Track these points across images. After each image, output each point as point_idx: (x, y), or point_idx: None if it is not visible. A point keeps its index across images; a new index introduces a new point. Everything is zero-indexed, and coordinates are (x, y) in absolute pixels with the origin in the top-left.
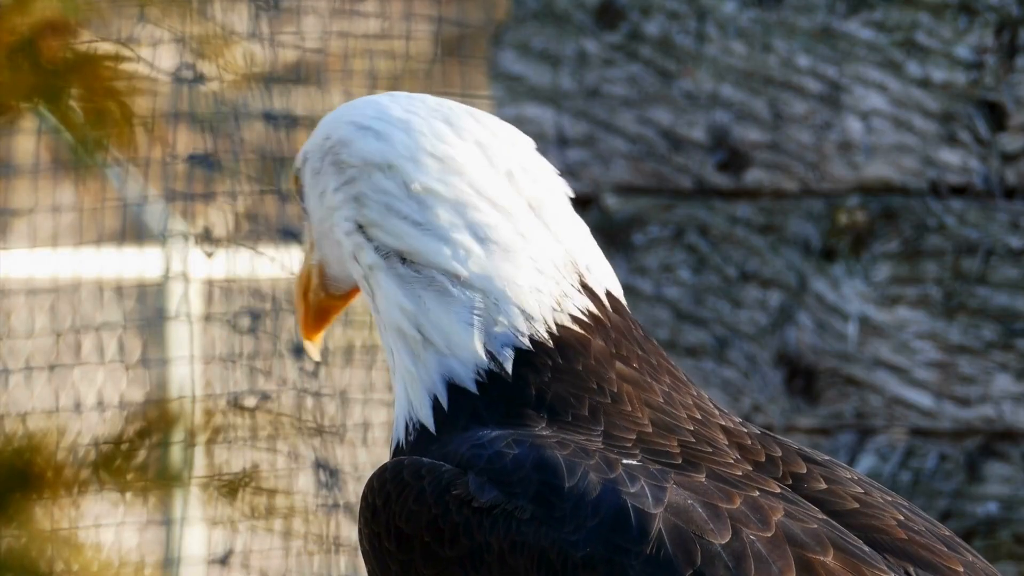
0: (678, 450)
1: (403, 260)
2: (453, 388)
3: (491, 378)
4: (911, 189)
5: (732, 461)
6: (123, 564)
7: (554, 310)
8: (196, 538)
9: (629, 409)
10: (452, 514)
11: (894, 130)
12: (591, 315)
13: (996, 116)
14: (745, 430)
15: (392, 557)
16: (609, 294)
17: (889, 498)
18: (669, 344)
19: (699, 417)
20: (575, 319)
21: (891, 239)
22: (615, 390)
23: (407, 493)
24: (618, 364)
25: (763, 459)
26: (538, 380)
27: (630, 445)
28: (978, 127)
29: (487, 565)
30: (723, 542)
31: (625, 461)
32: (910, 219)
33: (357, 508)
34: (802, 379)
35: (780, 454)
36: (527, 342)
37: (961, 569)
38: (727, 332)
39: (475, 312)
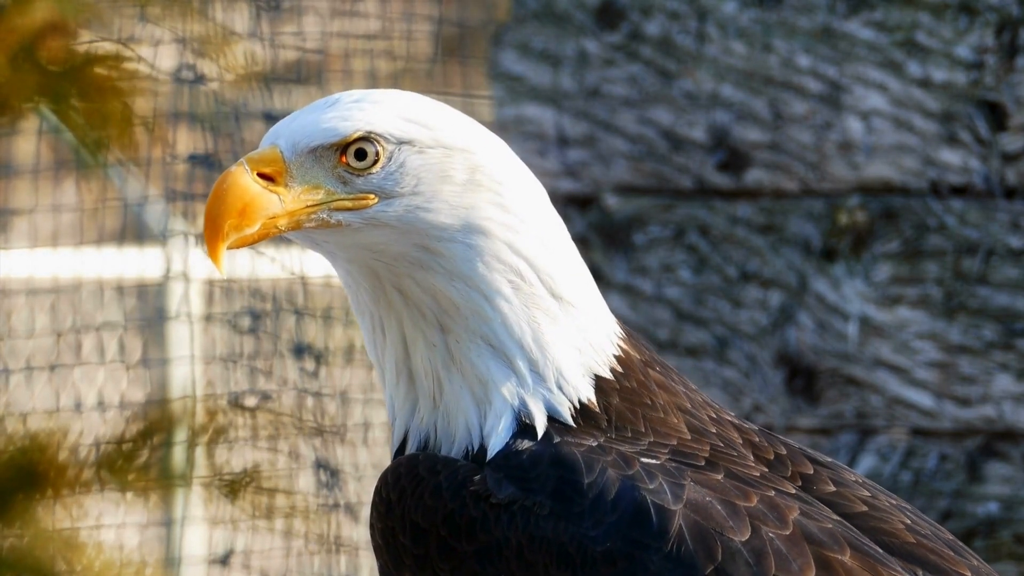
0: (707, 452)
1: (519, 276)
2: (547, 416)
3: (579, 408)
4: (911, 189)
5: (751, 462)
6: (124, 564)
7: (612, 323)
8: (197, 538)
9: (673, 420)
10: (469, 509)
11: (894, 130)
12: (624, 333)
13: (996, 116)
14: (748, 426)
15: (407, 552)
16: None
17: (893, 502)
18: (669, 344)
19: (715, 416)
20: (620, 338)
21: (891, 239)
22: (661, 402)
23: (423, 488)
24: (651, 372)
25: (772, 457)
26: (606, 402)
27: (666, 451)
28: (978, 127)
29: (505, 560)
30: (743, 539)
31: (643, 459)
32: (910, 219)
33: (357, 508)
34: (802, 379)
35: (785, 452)
36: (606, 370)
37: (968, 574)
38: (727, 332)
39: (577, 344)
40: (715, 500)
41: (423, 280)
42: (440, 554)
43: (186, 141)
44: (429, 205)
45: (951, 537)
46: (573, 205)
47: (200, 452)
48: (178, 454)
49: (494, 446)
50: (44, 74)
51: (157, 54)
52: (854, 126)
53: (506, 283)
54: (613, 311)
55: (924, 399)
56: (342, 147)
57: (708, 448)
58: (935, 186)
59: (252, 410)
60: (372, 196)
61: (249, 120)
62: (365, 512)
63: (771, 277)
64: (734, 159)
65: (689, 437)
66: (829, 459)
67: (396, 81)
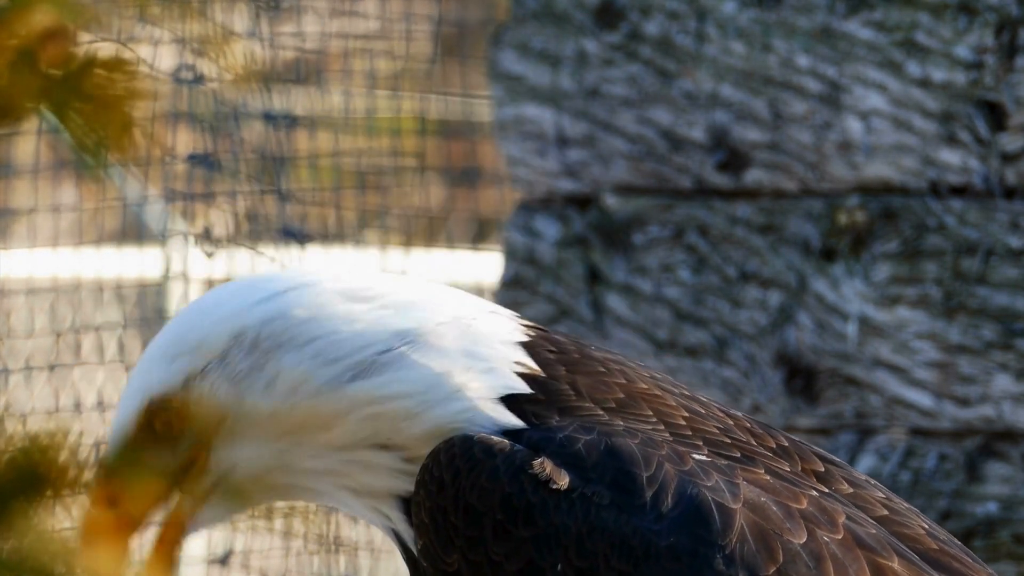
0: (728, 440)
1: (359, 365)
2: (509, 399)
3: (527, 377)
4: (911, 189)
5: (770, 454)
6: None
7: (510, 317)
8: (196, 538)
9: (648, 389)
10: (528, 494)
11: (894, 130)
12: (539, 326)
13: (996, 116)
14: (734, 411)
15: (458, 533)
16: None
17: (906, 505)
18: (669, 344)
19: (689, 394)
20: (529, 326)
21: (891, 239)
22: (615, 367)
23: (479, 469)
24: (595, 351)
25: (775, 446)
26: (560, 373)
27: (690, 434)
28: (978, 127)
29: (563, 547)
30: (801, 542)
31: (695, 456)
32: (910, 219)
33: None
34: (802, 379)
35: (788, 444)
36: (524, 336)
37: None
38: (727, 332)
39: (469, 327)
40: (770, 500)
41: (319, 453)
42: (495, 538)
43: (186, 141)
44: (244, 410)
45: (960, 543)
46: (573, 205)
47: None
48: None
49: None
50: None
51: (156, 54)
52: (853, 126)
53: (361, 381)
54: (612, 311)
55: (923, 399)
56: (148, 424)
57: (724, 435)
58: (934, 186)
59: None
60: (204, 447)
61: (249, 120)
62: None
63: (770, 277)
64: (734, 159)
65: (688, 416)
66: (830, 455)
67: (396, 81)
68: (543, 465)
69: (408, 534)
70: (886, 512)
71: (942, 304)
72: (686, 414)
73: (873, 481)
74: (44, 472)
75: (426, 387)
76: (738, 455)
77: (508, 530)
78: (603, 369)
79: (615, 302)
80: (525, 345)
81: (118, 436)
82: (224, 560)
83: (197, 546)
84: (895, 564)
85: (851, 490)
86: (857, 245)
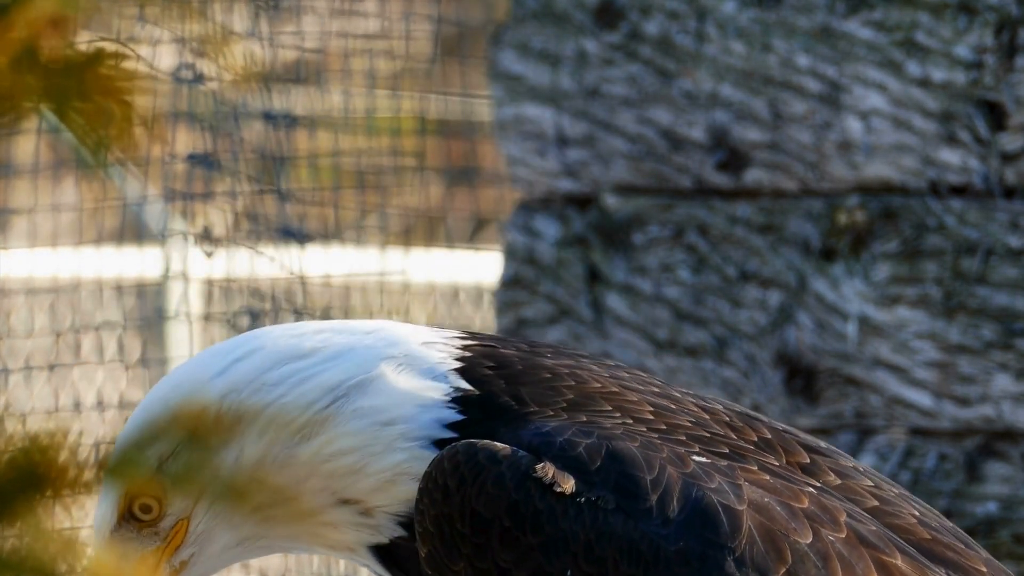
0: (708, 435)
1: (301, 430)
2: (449, 427)
3: (462, 400)
4: (911, 189)
5: (755, 449)
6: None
7: (441, 339)
8: None
9: (609, 389)
10: (535, 500)
11: (894, 130)
12: (467, 336)
13: (996, 116)
14: (713, 405)
15: (464, 540)
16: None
17: (895, 490)
18: (669, 344)
19: (659, 391)
20: (461, 338)
21: (891, 239)
22: (565, 372)
23: (484, 476)
24: (546, 359)
25: (756, 439)
26: (500, 387)
27: (665, 428)
28: (978, 127)
29: (572, 554)
30: (807, 542)
31: (695, 458)
32: (910, 219)
33: None
34: (802, 379)
35: (771, 436)
36: (456, 362)
37: (985, 569)
38: (727, 332)
39: (400, 369)
40: (773, 501)
41: (288, 520)
42: (503, 545)
43: (186, 141)
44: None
45: (952, 524)
46: (573, 205)
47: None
48: None
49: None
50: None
51: (157, 54)
52: (853, 126)
53: (304, 444)
54: (612, 311)
55: (923, 399)
56: (127, 513)
57: (705, 432)
58: (934, 186)
59: None
60: (181, 524)
61: (249, 120)
62: None
63: (770, 277)
64: (733, 159)
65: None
66: (822, 443)
67: (396, 81)
68: (548, 470)
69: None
70: (876, 503)
71: (942, 304)
72: (651, 409)
73: (862, 468)
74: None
75: (363, 441)
76: (727, 451)
77: (516, 537)
78: (549, 375)
79: (615, 302)
80: (460, 370)
81: (101, 530)
82: None
83: None
84: (899, 561)
85: (839, 481)
86: (857, 245)
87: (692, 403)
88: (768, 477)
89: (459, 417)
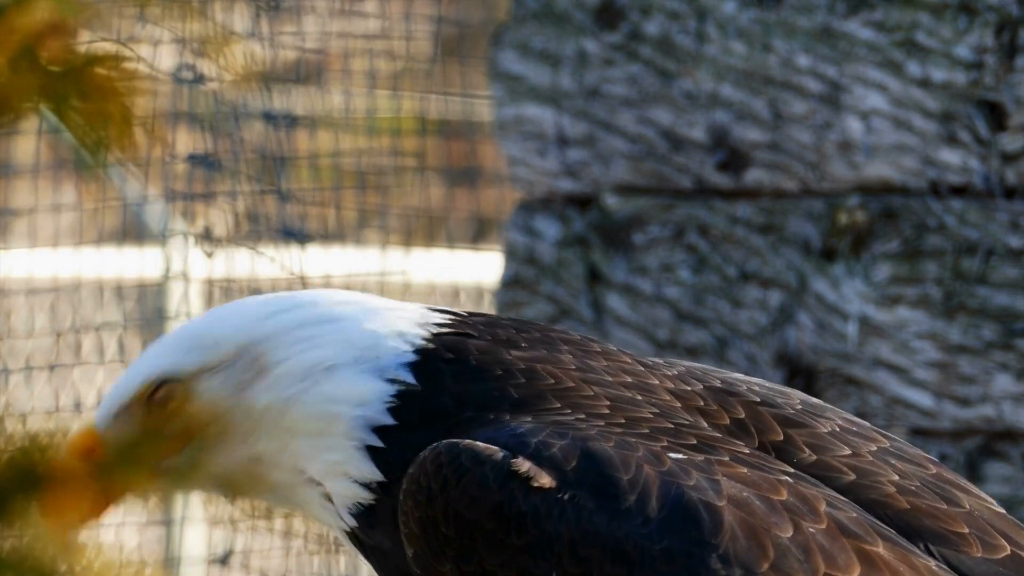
0: (671, 426)
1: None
2: (380, 430)
3: (404, 399)
4: (911, 189)
5: (725, 437)
6: (124, 564)
7: (419, 324)
8: (196, 538)
9: (562, 384)
10: (519, 502)
11: (894, 130)
12: (454, 321)
13: (996, 116)
14: (689, 388)
15: (450, 543)
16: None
17: (873, 448)
18: (669, 344)
19: (631, 381)
20: (441, 325)
21: (891, 239)
22: (522, 368)
23: (468, 478)
24: (512, 351)
25: (728, 422)
26: (446, 386)
27: (623, 422)
28: (978, 127)
29: (557, 555)
30: (788, 535)
31: (672, 455)
32: (910, 219)
33: None
34: (802, 379)
35: (744, 416)
36: (412, 355)
37: (966, 530)
38: (727, 332)
39: (358, 361)
40: (752, 495)
41: (265, 477)
42: (488, 548)
43: (186, 141)
44: (235, 418)
45: (933, 472)
46: (573, 205)
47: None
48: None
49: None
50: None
51: (157, 54)
52: (854, 126)
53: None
54: (612, 311)
55: (924, 399)
56: (146, 400)
57: (651, 415)
58: (935, 186)
59: None
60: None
61: (249, 120)
62: None
63: (771, 277)
64: (734, 159)
65: (612, 404)
66: (793, 409)
67: (396, 81)
68: (531, 470)
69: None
70: (853, 476)
71: (942, 304)
72: (608, 403)
73: (836, 423)
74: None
75: (317, 428)
76: (694, 442)
77: (501, 539)
78: (501, 372)
79: (615, 302)
80: (414, 364)
81: (115, 403)
82: (224, 560)
83: (197, 546)
84: (880, 549)
85: (814, 458)
86: (857, 245)
87: (667, 389)
88: (745, 470)
89: (390, 421)
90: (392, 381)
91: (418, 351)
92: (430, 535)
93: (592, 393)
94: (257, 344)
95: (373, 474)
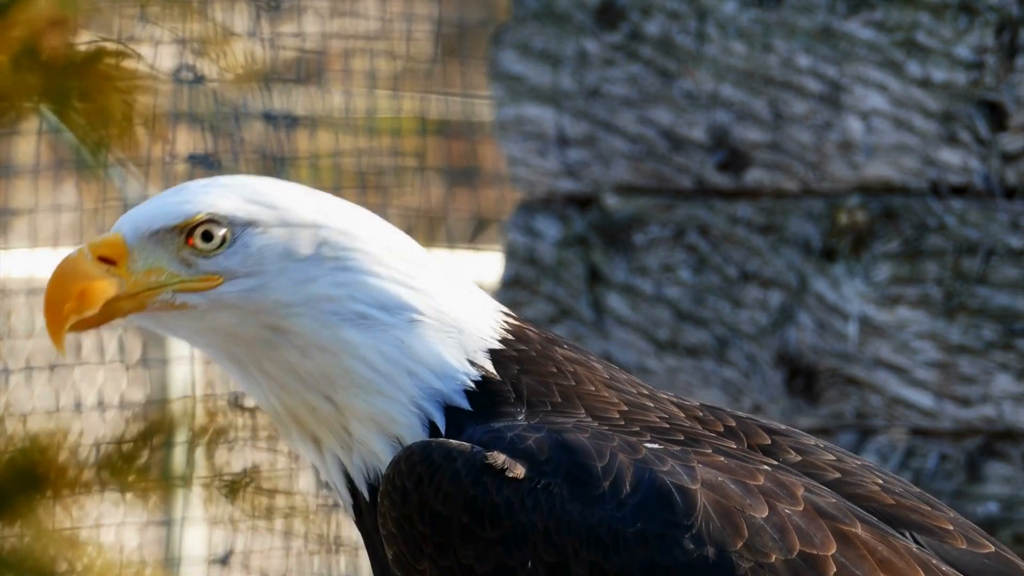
0: (667, 426)
1: (363, 316)
2: (448, 409)
3: (479, 386)
4: (911, 189)
5: (715, 438)
6: (125, 564)
7: (495, 310)
8: (197, 538)
9: (593, 389)
10: (492, 495)
11: (894, 130)
12: (511, 311)
13: (996, 116)
14: (690, 403)
15: (426, 540)
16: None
17: (858, 462)
18: (669, 344)
19: (647, 392)
20: (507, 315)
21: (891, 239)
22: (572, 371)
23: (441, 475)
24: (558, 348)
25: (722, 430)
26: (510, 375)
27: (622, 424)
28: (978, 127)
29: (532, 544)
30: (763, 516)
31: (647, 444)
32: (910, 219)
33: None
34: (802, 379)
35: (735, 424)
36: (497, 343)
37: (951, 527)
38: (727, 332)
39: (449, 336)
40: (727, 479)
41: (280, 359)
42: (463, 542)
43: (186, 141)
44: (272, 283)
45: (918, 490)
46: (573, 205)
47: (200, 452)
48: (178, 454)
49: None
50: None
51: (157, 54)
52: (854, 126)
53: (355, 332)
54: (613, 311)
55: (924, 399)
56: (187, 230)
57: (664, 422)
58: (935, 186)
59: (252, 410)
60: (217, 277)
61: (249, 120)
62: None
63: (771, 277)
64: (734, 159)
65: (627, 410)
66: (783, 426)
67: (396, 81)
68: (504, 463)
69: (349, 504)
70: (838, 475)
71: (942, 304)
72: (625, 408)
73: (824, 444)
74: (44, 471)
75: (383, 368)
76: (682, 438)
77: (475, 532)
78: (555, 370)
79: (615, 302)
80: (493, 352)
81: (156, 223)
82: (224, 560)
83: (197, 546)
84: (858, 529)
85: (799, 458)
86: (857, 245)
87: (670, 404)
88: (722, 458)
89: (464, 405)
90: (473, 364)
91: (500, 340)
92: (407, 533)
93: (615, 400)
94: (332, 234)
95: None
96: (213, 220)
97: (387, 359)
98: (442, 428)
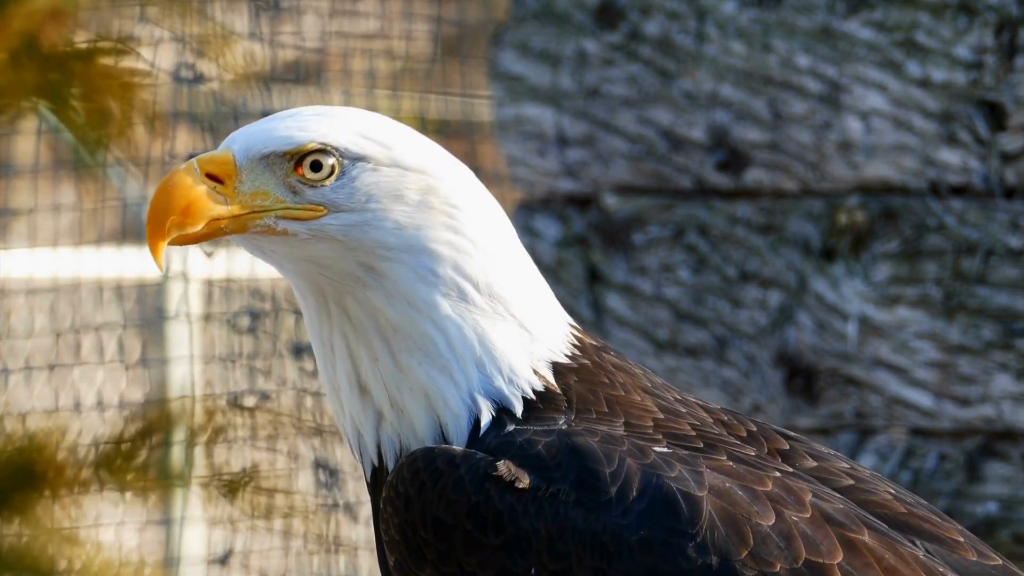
0: (694, 433)
1: (460, 290)
2: (500, 409)
3: (537, 395)
4: (911, 189)
5: (736, 443)
6: (123, 563)
7: (564, 321)
8: (196, 537)
9: (639, 399)
10: (495, 501)
11: (894, 130)
12: (579, 329)
13: (996, 116)
14: (714, 407)
15: (429, 547)
16: None
17: (870, 472)
18: (669, 344)
19: (680, 398)
20: (573, 326)
21: (891, 239)
22: (620, 381)
23: (444, 481)
24: (607, 356)
25: (745, 435)
26: (565, 386)
27: (651, 431)
28: (978, 127)
29: (535, 552)
30: (770, 523)
31: (656, 448)
32: (910, 219)
33: (356, 508)
34: (802, 379)
35: (756, 429)
36: (562, 357)
37: (961, 539)
38: (727, 332)
39: (524, 340)
40: (735, 486)
41: (364, 300)
42: (466, 549)
43: (185, 141)
44: (377, 222)
45: (927, 504)
46: (573, 205)
47: (199, 452)
48: (177, 454)
49: (458, 444)
50: (44, 72)
51: (157, 54)
52: (854, 126)
53: (447, 302)
54: (612, 311)
55: (923, 399)
56: (297, 157)
57: (688, 427)
58: (935, 186)
59: (251, 410)
60: (321, 208)
61: (249, 120)
62: (364, 511)
63: (770, 277)
64: (734, 159)
65: (663, 417)
66: (797, 434)
67: (396, 81)
68: (507, 469)
69: (369, 472)
70: (851, 482)
71: (942, 304)
72: (660, 416)
73: (837, 453)
74: (43, 471)
75: (458, 358)
76: (701, 445)
77: (478, 539)
78: (606, 380)
79: (615, 302)
80: (556, 364)
81: (268, 147)
82: (224, 560)
83: (197, 546)
84: (865, 537)
85: (815, 464)
86: (857, 245)
87: (700, 409)
88: (732, 464)
89: (517, 412)
90: (536, 373)
91: (566, 353)
92: (410, 540)
93: (652, 408)
94: (443, 185)
95: (457, 434)
96: (324, 150)
97: (465, 343)
98: (484, 427)
